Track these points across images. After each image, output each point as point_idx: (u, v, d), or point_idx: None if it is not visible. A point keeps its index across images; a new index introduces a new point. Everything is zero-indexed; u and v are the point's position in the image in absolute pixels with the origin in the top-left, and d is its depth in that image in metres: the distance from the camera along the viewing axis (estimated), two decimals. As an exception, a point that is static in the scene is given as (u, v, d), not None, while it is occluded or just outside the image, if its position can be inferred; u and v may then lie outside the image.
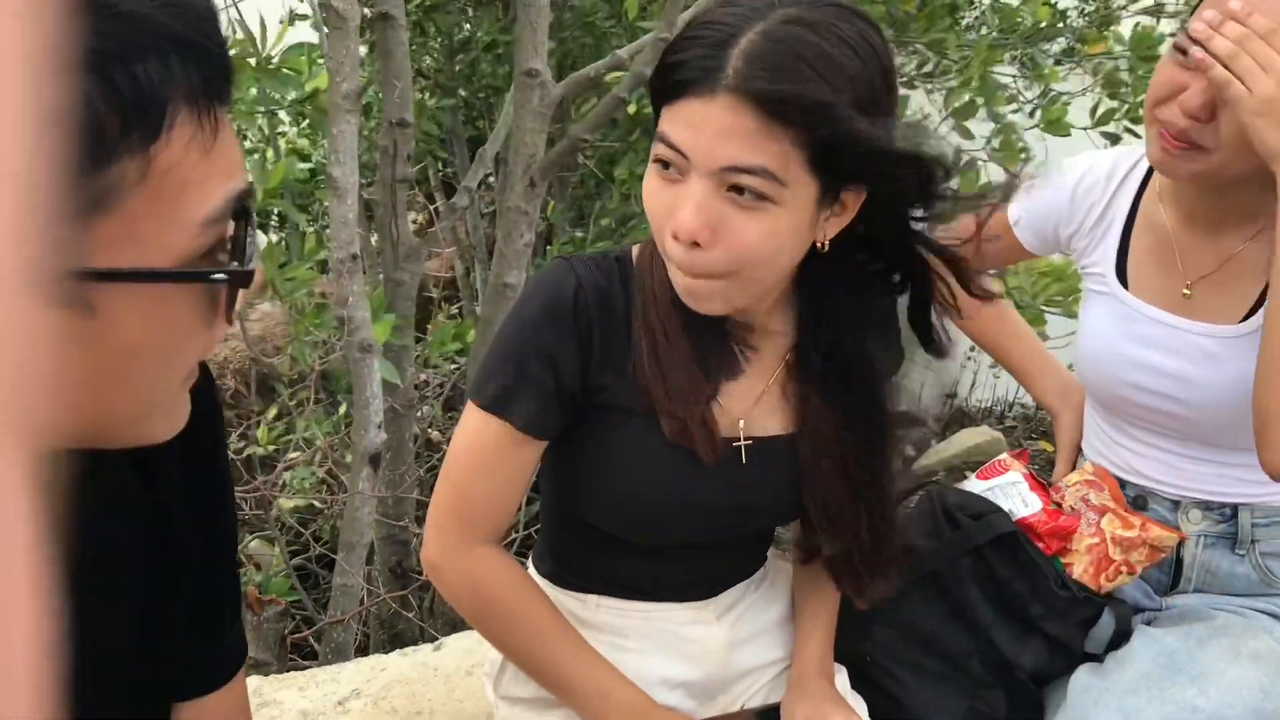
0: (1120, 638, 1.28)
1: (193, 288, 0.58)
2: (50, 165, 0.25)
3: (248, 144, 3.14)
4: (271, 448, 2.87)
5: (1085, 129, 2.91)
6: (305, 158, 3.48)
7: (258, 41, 1.88)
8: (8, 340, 0.23)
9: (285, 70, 1.92)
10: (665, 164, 0.92)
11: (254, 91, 2.00)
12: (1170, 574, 1.36)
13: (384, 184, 2.48)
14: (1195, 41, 1.11)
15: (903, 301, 1.09)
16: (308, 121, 3.01)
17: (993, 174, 2.94)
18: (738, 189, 0.89)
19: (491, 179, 3.58)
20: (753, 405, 1.08)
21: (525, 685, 1.18)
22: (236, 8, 2.07)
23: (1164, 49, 1.45)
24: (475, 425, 1.05)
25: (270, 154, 2.59)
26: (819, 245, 0.97)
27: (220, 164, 0.56)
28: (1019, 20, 3.09)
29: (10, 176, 0.24)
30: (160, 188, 0.53)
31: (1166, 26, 3.29)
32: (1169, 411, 1.29)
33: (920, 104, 3.15)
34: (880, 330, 1.11)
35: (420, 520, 2.58)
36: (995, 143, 2.88)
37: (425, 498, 2.41)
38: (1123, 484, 1.36)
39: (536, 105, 2.34)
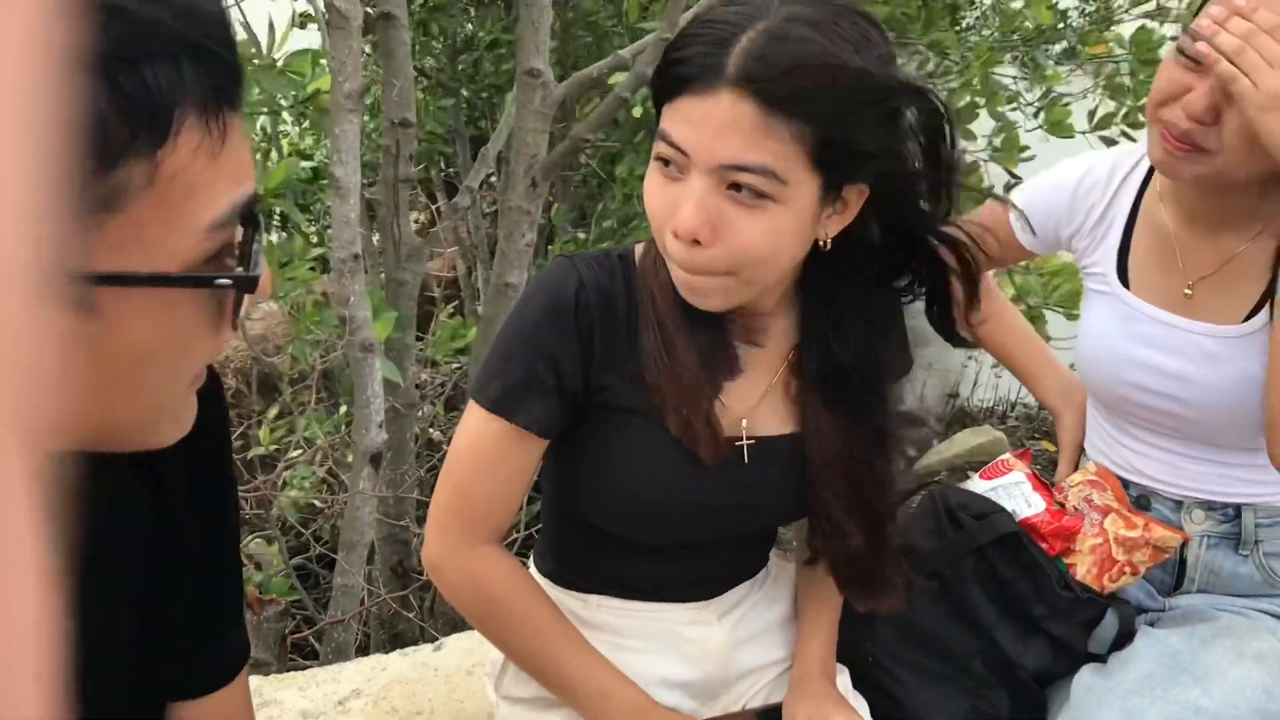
0: (1123, 638, 1.28)
1: (199, 293, 0.58)
2: (57, 168, 0.25)
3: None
4: (273, 447, 2.87)
5: (1084, 133, 2.91)
6: (307, 157, 3.48)
7: (263, 45, 1.88)
8: (14, 343, 0.23)
9: (289, 73, 1.92)
10: (666, 162, 0.92)
11: (257, 92, 2.00)
12: (1173, 574, 1.36)
13: (386, 183, 2.48)
14: (1201, 37, 1.11)
15: (917, 305, 1.09)
16: (310, 121, 3.01)
17: (993, 174, 2.95)
18: (738, 187, 0.89)
19: (493, 179, 3.59)
20: (755, 404, 1.07)
21: (526, 685, 1.18)
22: (240, 9, 2.07)
23: (1165, 50, 1.45)
24: (477, 424, 1.05)
25: (274, 155, 2.59)
26: (821, 243, 0.97)
27: (228, 169, 0.56)
28: (1021, 22, 3.09)
29: (17, 179, 0.24)
30: (167, 192, 0.53)
31: (1168, 30, 3.29)
32: (1170, 411, 1.29)
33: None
34: (884, 331, 1.10)
35: (421, 520, 2.58)
36: (997, 141, 2.89)
37: (426, 497, 2.41)
38: (1125, 484, 1.36)
39: (538, 105, 2.34)
